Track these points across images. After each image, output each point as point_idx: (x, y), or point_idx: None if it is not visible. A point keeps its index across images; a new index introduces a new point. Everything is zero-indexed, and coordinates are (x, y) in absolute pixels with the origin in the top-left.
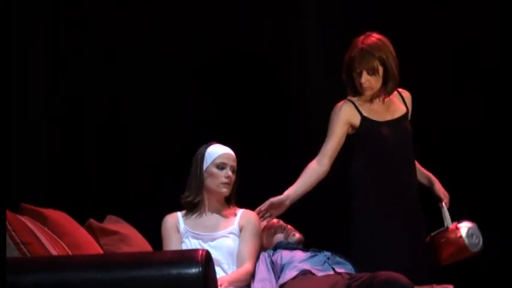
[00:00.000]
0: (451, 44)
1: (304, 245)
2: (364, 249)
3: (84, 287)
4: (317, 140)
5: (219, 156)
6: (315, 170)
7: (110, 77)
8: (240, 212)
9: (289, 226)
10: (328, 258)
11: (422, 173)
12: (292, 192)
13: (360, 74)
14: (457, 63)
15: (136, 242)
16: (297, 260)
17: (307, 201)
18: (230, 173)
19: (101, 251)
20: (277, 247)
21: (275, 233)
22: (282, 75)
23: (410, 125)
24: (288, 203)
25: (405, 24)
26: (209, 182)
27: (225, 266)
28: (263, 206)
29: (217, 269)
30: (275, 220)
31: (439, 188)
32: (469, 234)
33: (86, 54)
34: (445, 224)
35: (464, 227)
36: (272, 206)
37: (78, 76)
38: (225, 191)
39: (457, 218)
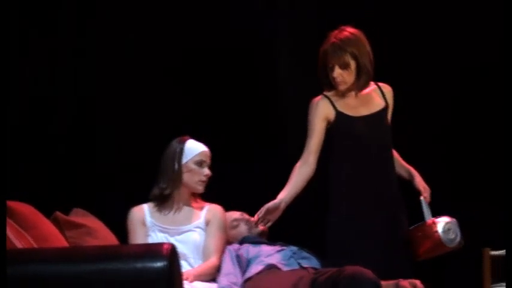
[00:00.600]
0: (439, 42)
1: (274, 239)
2: (340, 246)
3: (48, 279)
4: (293, 137)
5: (199, 154)
6: (302, 170)
7: (81, 71)
8: (207, 206)
9: (252, 218)
10: (295, 253)
11: (403, 166)
12: (285, 195)
13: (333, 69)
14: (448, 63)
15: (103, 235)
16: (264, 255)
17: (302, 202)
18: (209, 171)
19: (67, 244)
20: (243, 241)
21: (238, 226)
22: (256, 72)
23: (388, 120)
24: (283, 206)
25: (390, 21)
26: (186, 178)
27: (191, 260)
28: (260, 213)
29: (183, 263)
30: (238, 213)
31: (419, 182)
32: (445, 229)
33: (62, 52)
34: (424, 218)
35: (441, 222)
36: (268, 212)
37: (50, 71)
38: (201, 188)
39: (439, 213)
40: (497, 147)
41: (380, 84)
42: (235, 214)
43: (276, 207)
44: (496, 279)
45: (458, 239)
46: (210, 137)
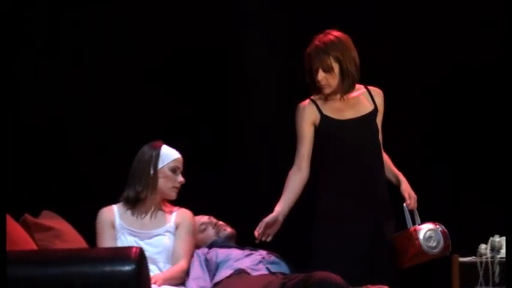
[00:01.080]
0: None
1: (241, 243)
2: (327, 248)
3: (17, 282)
4: (257, 143)
5: (174, 160)
6: (297, 177)
7: (53, 72)
8: (176, 210)
9: (220, 222)
10: (264, 258)
11: (392, 170)
12: (282, 207)
13: (317, 72)
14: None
15: (72, 238)
16: (233, 259)
17: (270, 205)
18: (182, 178)
19: (36, 247)
20: (212, 245)
21: (206, 229)
22: (225, 75)
23: (377, 123)
24: (281, 218)
25: (388, 22)
26: (161, 183)
27: (161, 264)
28: (259, 229)
29: (152, 267)
30: (206, 217)
31: (404, 188)
32: (426, 237)
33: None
34: (407, 226)
35: (423, 229)
36: (267, 226)
37: (24, 72)
38: (174, 195)
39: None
40: (491, 151)
41: (370, 87)
42: (203, 218)
43: (274, 221)
44: (465, 286)
45: (440, 246)
46: (187, 139)
